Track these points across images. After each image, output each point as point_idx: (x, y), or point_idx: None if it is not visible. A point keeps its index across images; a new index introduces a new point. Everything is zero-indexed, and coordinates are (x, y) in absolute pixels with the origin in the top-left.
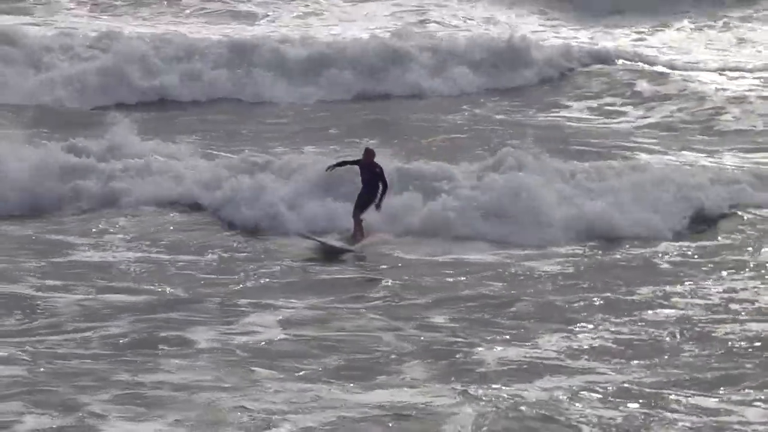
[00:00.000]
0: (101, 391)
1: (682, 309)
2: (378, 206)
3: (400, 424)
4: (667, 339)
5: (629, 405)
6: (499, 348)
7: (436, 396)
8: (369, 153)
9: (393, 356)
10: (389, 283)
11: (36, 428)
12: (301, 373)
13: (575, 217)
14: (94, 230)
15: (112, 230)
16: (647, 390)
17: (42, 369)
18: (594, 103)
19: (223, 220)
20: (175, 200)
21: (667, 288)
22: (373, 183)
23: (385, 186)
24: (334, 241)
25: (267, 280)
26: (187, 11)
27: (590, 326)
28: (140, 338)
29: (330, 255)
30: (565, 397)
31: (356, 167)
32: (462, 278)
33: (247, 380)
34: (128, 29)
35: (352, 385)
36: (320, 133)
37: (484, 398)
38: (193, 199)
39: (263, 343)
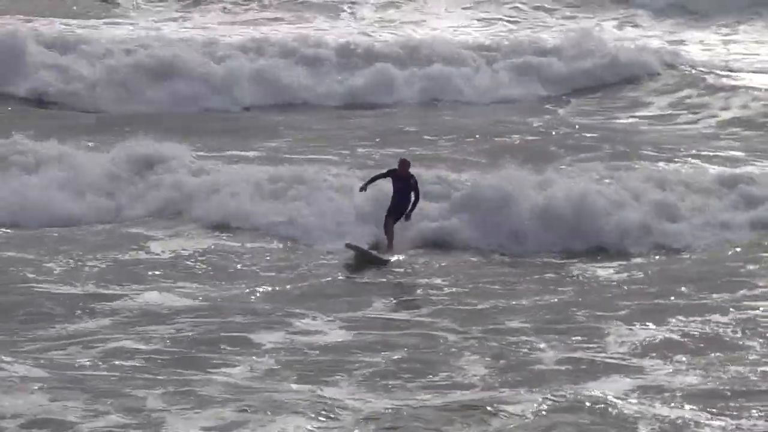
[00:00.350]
0: (159, 386)
1: (750, 312)
2: (408, 216)
3: (459, 415)
4: (733, 342)
5: (689, 407)
6: (561, 348)
7: (495, 392)
8: (405, 164)
9: (453, 350)
10: (453, 290)
11: (102, 426)
12: (366, 365)
13: (640, 225)
14: (159, 234)
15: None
16: (710, 392)
17: (103, 370)
18: (673, 105)
19: (272, 231)
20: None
21: (737, 293)
22: (406, 193)
23: (417, 197)
24: (373, 252)
25: (327, 281)
26: None
27: (655, 328)
28: (204, 338)
29: (376, 263)
30: (624, 396)
31: (384, 178)
32: (522, 283)
33: (312, 373)
34: (213, 33)
35: (414, 376)
36: (400, 136)
37: (542, 396)
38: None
39: (328, 343)
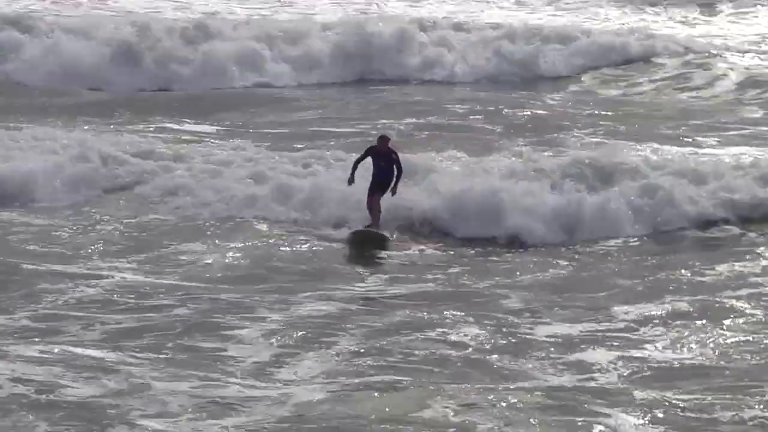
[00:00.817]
0: (149, 353)
1: (754, 289)
2: (394, 191)
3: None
4: (736, 316)
5: (686, 382)
6: (558, 321)
7: (487, 355)
8: (385, 139)
9: (448, 320)
10: (457, 269)
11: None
12: (364, 327)
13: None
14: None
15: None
16: (708, 367)
17: (96, 340)
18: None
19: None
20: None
21: (737, 267)
22: (388, 169)
23: (401, 170)
24: (372, 229)
25: (323, 259)
26: None
27: (655, 303)
28: (203, 314)
29: (374, 241)
30: (616, 369)
31: (365, 159)
32: (522, 261)
33: (312, 334)
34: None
35: (411, 332)
36: (417, 108)
37: (534, 363)
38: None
39: (326, 311)
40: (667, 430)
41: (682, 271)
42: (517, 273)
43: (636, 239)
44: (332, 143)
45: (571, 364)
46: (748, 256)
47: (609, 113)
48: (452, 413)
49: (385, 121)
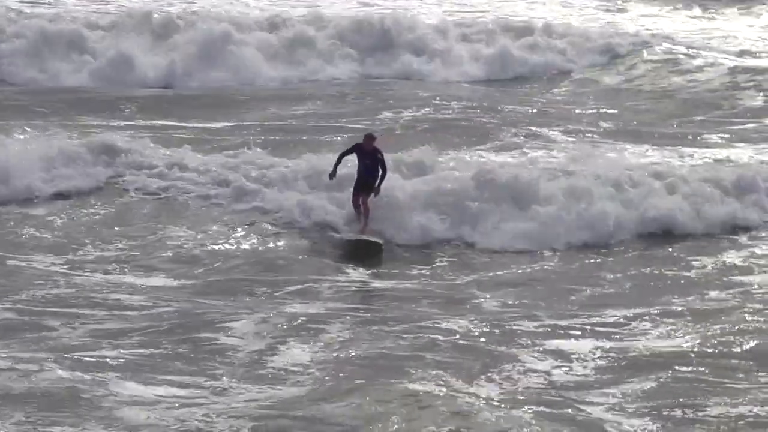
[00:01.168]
0: (138, 347)
1: (738, 287)
2: (377, 191)
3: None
4: (726, 312)
5: (666, 377)
6: (545, 315)
7: (474, 341)
8: (371, 138)
9: (435, 311)
10: (443, 263)
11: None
12: (353, 317)
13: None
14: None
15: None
16: (690, 364)
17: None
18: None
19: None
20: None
21: (725, 266)
22: (373, 168)
23: (385, 171)
24: (365, 237)
25: (305, 257)
26: None
27: (643, 301)
28: (193, 312)
29: (370, 248)
30: (598, 361)
31: (349, 155)
32: (504, 261)
33: (304, 321)
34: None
35: (396, 323)
36: (415, 103)
37: (520, 350)
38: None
39: (316, 305)
40: (654, 424)
41: (671, 269)
42: (504, 269)
43: (623, 240)
44: (332, 138)
45: (556, 354)
46: (737, 255)
47: (609, 111)
48: (442, 394)
49: (386, 113)
